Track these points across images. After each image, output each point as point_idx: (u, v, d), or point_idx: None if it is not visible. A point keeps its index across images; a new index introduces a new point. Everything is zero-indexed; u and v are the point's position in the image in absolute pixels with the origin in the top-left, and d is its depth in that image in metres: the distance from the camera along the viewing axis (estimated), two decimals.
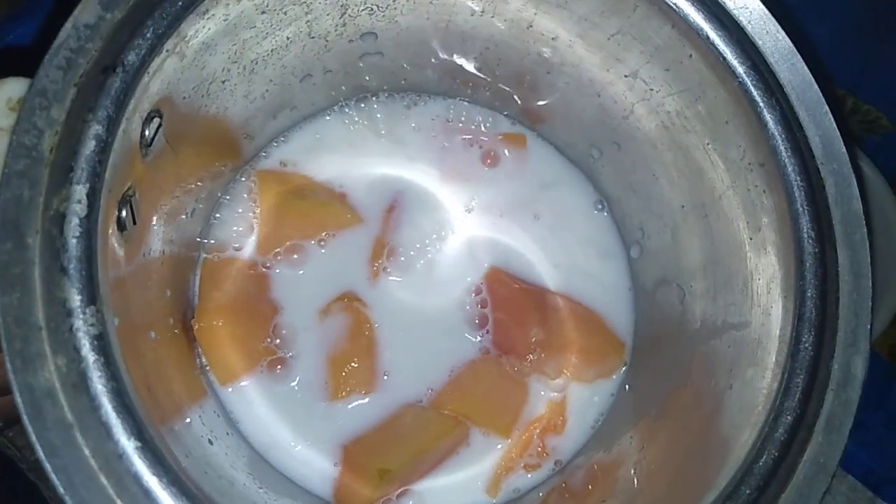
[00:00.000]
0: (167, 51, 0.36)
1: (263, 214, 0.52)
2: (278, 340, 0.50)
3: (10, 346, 0.29)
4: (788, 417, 0.36)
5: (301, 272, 0.52)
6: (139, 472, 0.29)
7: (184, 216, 0.47)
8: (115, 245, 0.35)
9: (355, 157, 0.55)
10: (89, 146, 0.32)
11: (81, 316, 0.30)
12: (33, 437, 0.28)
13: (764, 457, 0.36)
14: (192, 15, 0.36)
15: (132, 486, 0.29)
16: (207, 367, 0.49)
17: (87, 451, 0.29)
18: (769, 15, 0.40)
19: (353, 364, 0.50)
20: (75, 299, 0.30)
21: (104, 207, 0.32)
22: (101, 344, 0.30)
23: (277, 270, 0.52)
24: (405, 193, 0.54)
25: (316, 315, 0.51)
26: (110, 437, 0.29)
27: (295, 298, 0.51)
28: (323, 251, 0.52)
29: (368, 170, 0.54)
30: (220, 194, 0.52)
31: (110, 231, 0.34)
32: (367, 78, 0.54)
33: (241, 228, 0.52)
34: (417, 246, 0.53)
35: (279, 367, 0.50)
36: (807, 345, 0.37)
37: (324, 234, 0.53)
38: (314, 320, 0.51)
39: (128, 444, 0.29)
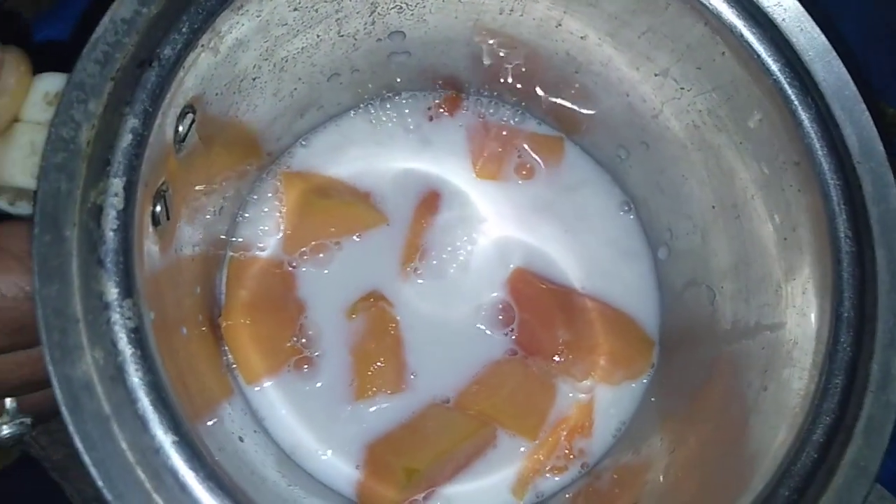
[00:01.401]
0: (202, 46, 0.36)
1: (289, 214, 0.52)
2: (304, 340, 0.50)
3: (49, 338, 0.28)
4: (827, 419, 0.35)
5: (326, 271, 0.52)
6: (176, 467, 0.29)
7: (211, 214, 0.47)
8: (150, 240, 0.35)
9: (381, 156, 0.55)
10: (126, 139, 0.32)
11: (118, 309, 0.30)
12: (72, 429, 0.28)
13: (802, 459, 0.35)
14: (227, 10, 0.36)
15: (169, 480, 0.29)
16: (234, 366, 0.49)
17: (123, 445, 0.29)
18: (804, 12, 0.39)
19: (379, 363, 0.49)
20: (112, 292, 0.30)
21: (140, 201, 0.32)
22: (138, 337, 0.30)
23: (303, 269, 0.52)
24: (432, 193, 0.54)
25: (342, 314, 0.51)
26: (147, 431, 0.29)
27: (321, 297, 0.51)
28: (349, 250, 0.52)
29: (395, 169, 0.54)
30: (246, 193, 0.52)
31: (145, 225, 0.34)
32: (395, 77, 0.53)
33: (267, 227, 0.52)
34: (449, 249, 0.53)
35: (306, 366, 0.50)
36: (845, 345, 0.36)
37: (349, 233, 0.52)
38: (340, 319, 0.51)
39: (165, 439, 0.29)
